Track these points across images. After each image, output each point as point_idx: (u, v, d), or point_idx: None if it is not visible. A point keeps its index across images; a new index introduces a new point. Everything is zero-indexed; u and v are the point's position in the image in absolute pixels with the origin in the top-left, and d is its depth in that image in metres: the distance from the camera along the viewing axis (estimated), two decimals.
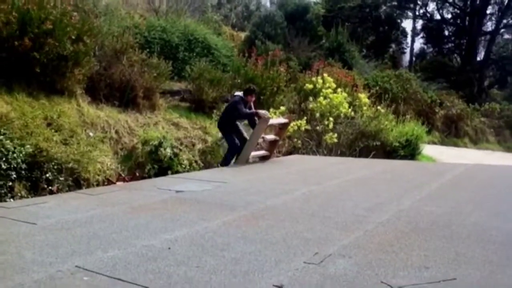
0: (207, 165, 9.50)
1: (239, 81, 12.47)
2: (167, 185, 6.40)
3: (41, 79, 7.97)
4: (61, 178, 6.57)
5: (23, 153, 6.14)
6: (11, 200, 5.91)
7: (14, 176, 5.96)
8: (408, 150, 13.77)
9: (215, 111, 11.04)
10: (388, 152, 13.61)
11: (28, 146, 6.31)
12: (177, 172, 8.49)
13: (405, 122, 15.39)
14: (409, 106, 20.38)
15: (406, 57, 38.43)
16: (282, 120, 10.22)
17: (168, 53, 12.21)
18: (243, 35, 22.09)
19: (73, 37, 8.39)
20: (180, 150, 9.05)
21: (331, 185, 6.91)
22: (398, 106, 17.32)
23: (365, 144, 12.98)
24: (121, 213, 4.82)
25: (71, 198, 5.49)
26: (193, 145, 9.71)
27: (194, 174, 7.97)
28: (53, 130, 7.16)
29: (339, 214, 4.89)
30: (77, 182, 7.00)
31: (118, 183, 7.50)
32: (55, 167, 6.58)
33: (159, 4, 15.91)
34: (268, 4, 29.70)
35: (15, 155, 6.03)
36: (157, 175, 8.23)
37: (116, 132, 8.51)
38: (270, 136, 9.98)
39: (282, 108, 12.25)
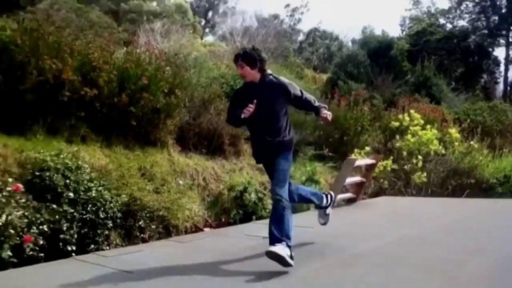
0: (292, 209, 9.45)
1: (322, 122, 12.45)
2: (254, 231, 6.47)
3: (136, 131, 8.59)
4: (152, 226, 6.91)
5: (119, 202, 6.58)
6: (107, 248, 6.30)
7: (111, 225, 6.37)
8: (507, 187, 12.68)
9: (301, 154, 11.08)
10: (484, 189, 12.64)
11: (124, 195, 6.75)
12: (261, 217, 8.55)
13: (502, 157, 14.28)
14: (506, 139, 18.93)
15: (500, 87, 36.06)
16: (369, 161, 9.98)
17: None
18: (325, 76, 22.23)
19: (166, 90, 9.02)
20: (264, 194, 9.13)
21: (425, 227, 6.56)
22: (493, 140, 16.15)
23: (458, 182, 12.21)
24: (211, 260, 4.95)
25: (163, 246, 5.76)
26: None
27: None
28: (146, 180, 7.61)
29: (437, 259, 4.60)
30: (166, 229, 7.32)
31: (205, 229, 7.72)
32: (147, 215, 6.95)
33: None
34: (350, 44, 29.79)
35: (111, 204, 6.47)
36: (242, 220, 8.37)
37: (204, 179, 8.85)
38: (357, 178, 9.75)
39: (367, 148, 11.99)
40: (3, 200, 5.11)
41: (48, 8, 13.11)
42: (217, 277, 4.21)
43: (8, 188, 5.37)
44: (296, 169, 10.32)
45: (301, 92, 4.99)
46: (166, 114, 9.11)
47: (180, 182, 8.20)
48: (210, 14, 31.79)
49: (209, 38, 27.75)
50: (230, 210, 8.57)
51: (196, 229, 7.75)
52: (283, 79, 4.99)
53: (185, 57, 12.99)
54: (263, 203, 8.90)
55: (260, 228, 6.75)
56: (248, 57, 4.74)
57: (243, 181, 8.97)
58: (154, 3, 18.96)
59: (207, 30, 29.30)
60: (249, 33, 18.61)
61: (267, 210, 8.92)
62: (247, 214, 8.59)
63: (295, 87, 4.97)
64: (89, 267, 4.87)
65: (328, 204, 5.47)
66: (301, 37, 33.31)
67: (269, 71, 4.89)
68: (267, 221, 7.93)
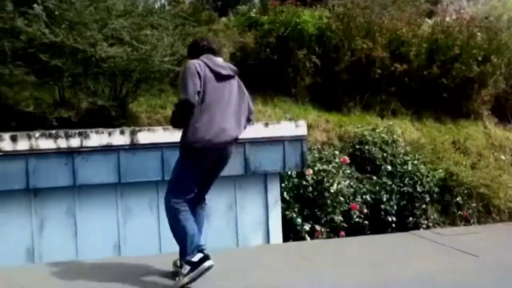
0: None
1: None
2: None
3: (447, 103, 8.17)
4: (472, 204, 6.46)
5: (436, 177, 6.39)
6: (425, 222, 6.23)
7: (428, 199, 6.26)
8: None
9: None
10: None
11: (440, 170, 6.52)
12: None
13: None
14: None
15: None
16: None
17: None
18: None
19: (479, 58, 8.25)
20: None
21: None
22: None
23: None
24: None
25: (500, 230, 5.29)
26: None
27: None
28: (461, 154, 7.16)
29: None
30: (486, 208, 6.71)
31: None
32: (465, 191, 6.53)
33: None
34: None
35: (428, 179, 6.34)
36: None
37: None
38: None
39: None
40: (334, 170, 5.67)
41: None
42: None
43: (336, 160, 5.93)
44: None
45: None
46: (480, 84, 8.33)
47: (502, 157, 7.38)
48: None
49: None
50: None
51: None
52: None
53: (498, 19, 11.49)
54: None
55: None
56: None
57: None
58: None
59: None
60: None
61: None
62: None
63: None
64: (433, 245, 4.85)
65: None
66: None
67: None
68: None
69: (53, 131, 4.34)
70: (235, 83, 3.73)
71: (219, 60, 3.69)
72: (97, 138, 4.27)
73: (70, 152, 4.23)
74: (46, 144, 4.23)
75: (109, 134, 4.34)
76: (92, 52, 6.01)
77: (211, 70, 3.51)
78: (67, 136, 4.27)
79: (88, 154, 4.27)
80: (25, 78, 5.97)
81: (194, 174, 3.49)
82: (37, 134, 4.26)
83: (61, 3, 6.34)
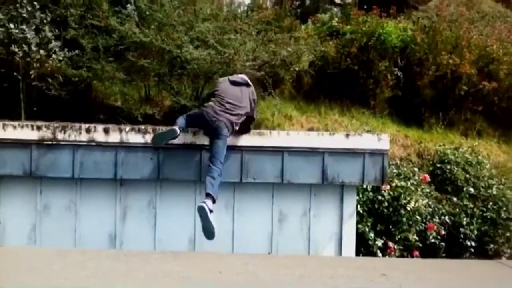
0: None
1: None
2: None
3: None
4: None
5: None
6: (508, 250, 5.84)
7: None
8: None
9: None
10: None
11: None
12: None
13: None
14: None
15: None
16: None
17: None
18: None
19: None
20: None
21: None
22: None
23: None
24: None
25: None
26: None
27: None
28: None
29: None
30: None
31: None
32: None
33: None
34: None
35: None
36: None
37: None
38: None
39: None
40: (412, 187, 5.46)
41: (438, 4, 13.29)
42: None
43: (415, 177, 5.71)
44: None
45: None
46: None
47: None
48: None
49: None
50: None
51: None
52: None
53: None
54: None
55: None
56: None
57: None
58: None
59: None
60: None
61: None
62: None
63: None
64: None
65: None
66: None
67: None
68: None
69: (142, 127, 4.55)
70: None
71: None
72: (182, 137, 4.40)
73: (156, 148, 4.40)
74: (135, 138, 4.43)
75: (193, 133, 4.47)
76: (178, 53, 6.25)
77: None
78: (155, 132, 4.44)
79: (173, 151, 4.42)
80: (115, 74, 6.34)
81: None
82: (127, 128, 4.48)
83: (152, 4, 6.67)
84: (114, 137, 4.45)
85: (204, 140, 4.42)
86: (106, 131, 4.46)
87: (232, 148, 4.42)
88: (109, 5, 6.84)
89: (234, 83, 4.53)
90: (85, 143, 4.43)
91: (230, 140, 4.35)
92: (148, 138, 4.45)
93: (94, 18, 6.42)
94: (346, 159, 4.57)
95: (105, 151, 4.43)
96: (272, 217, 4.66)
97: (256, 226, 4.63)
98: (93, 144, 4.43)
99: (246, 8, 9.67)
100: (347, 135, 4.68)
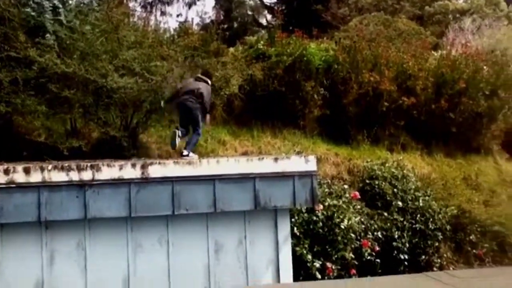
0: None
1: None
2: None
3: (456, 137, 8.16)
4: (485, 244, 6.35)
5: (448, 214, 6.31)
6: (438, 260, 6.11)
7: (440, 237, 6.17)
8: None
9: None
10: None
11: (452, 207, 6.44)
12: None
13: None
14: None
15: None
16: None
17: None
18: None
19: (487, 92, 8.28)
20: None
21: None
22: None
23: None
24: None
25: None
26: None
27: None
28: (473, 190, 7.09)
29: None
30: (501, 247, 6.60)
31: None
32: (478, 229, 6.44)
33: None
34: None
35: (440, 216, 6.27)
36: None
37: None
38: None
39: None
40: (344, 205, 5.59)
41: (358, 24, 13.96)
42: None
43: (346, 195, 5.86)
44: None
45: None
46: (489, 118, 8.35)
47: None
48: None
49: None
50: None
51: None
52: None
53: (503, 53, 11.61)
54: None
55: None
56: None
57: None
58: (461, 0, 17.82)
59: None
60: None
61: None
62: None
63: None
64: None
65: None
66: None
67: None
68: None
69: (66, 164, 4.31)
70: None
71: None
72: (108, 171, 4.23)
73: (82, 185, 4.19)
74: (58, 176, 4.19)
75: (120, 167, 4.31)
76: (103, 82, 6.04)
77: None
78: (79, 169, 4.23)
79: (100, 187, 4.22)
80: (37, 107, 6.00)
81: None
82: (49, 166, 4.23)
83: (72, 33, 6.43)
84: (35, 176, 4.18)
85: (132, 174, 4.27)
86: (26, 171, 4.18)
87: (162, 180, 4.30)
88: (26, 35, 6.51)
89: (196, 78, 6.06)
90: (4, 185, 4.12)
91: (160, 172, 4.24)
92: (73, 175, 4.23)
93: (11, 50, 6.07)
94: (276, 183, 4.60)
95: (26, 193, 4.14)
96: (208, 248, 4.56)
97: (193, 260, 4.51)
98: (13, 186, 4.13)
99: (172, 33, 9.61)
100: (276, 159, 4.72)
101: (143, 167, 4.42)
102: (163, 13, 21.25)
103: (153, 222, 4.32)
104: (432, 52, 10.77)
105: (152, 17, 14.05)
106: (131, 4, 13.28)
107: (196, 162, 4.54)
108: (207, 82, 6.07)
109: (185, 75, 6.69)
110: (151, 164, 4.46)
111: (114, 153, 5.99)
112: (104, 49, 6.37)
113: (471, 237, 6.37)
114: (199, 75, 6.23)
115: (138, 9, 18.80)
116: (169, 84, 6.40)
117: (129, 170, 4.33)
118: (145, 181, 4.36)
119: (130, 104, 6.47)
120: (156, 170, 4.42)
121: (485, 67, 8.88)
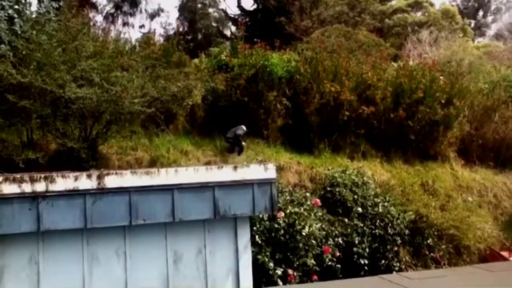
0: None
1: None
2: None
3: (414, 145, 8.39)
4: (442, 246, 6.53)
5: (406, 219, 6.46)
6: (397, 264, 6.23)
7: (399, 241, 6.30)
8: None
9: None
10: None
11: (410, 212, 6.60)
12: None
13: None
14: None
15: None
16: None
17: None
18: None
19: (443, 101, 8.56)
20: None
21: None
22: None
23: None
24: None
25: (469, 273, 5.30)
26: None
27: None
28: (430, 196, 7.28)
29: None
30: (457, 249, 6.80)
31: (502, 253, 6.86)
32: (435, 233, 6.61)
33: None
34: None
35: (399, 221, 6.41)
36: None
37: (494, 195, 7.94)
38: None
39: None
40: (305, 213, 5.65)
41: (320, 35, 14.23)
42: None
43: (308, 202, 5.92)
44: None
45: None
46: (445, 126, 8.61)
47: (469, 198, 7.55)
48: (480, 13, 29.02)
49: (482, 40, 25.30)
50: None
51: (492, 252, 6.94)
52: None
53: (459, 64, 12.07)
54: None
55: None
56: None
57: None
58: (419, 13, 18.47)
59: (478, 31, 26.76)
60: None
61: None
62: None
63: None
64: None
65: None
66: None
67: None
68: None
69: (18, 175, 4.18)
70: None
71: None
72: (63, 182, 4.13)
73: (35, 197, 4.07)
74: (10, 188, 4.06)
75: (76, 178, 4.22)
76: (60, 93, 5.93)
77: None
78: (32, 180, 4.11)
79: (54, 199, 4.12)
80: None
81: None
82: (0, 179, 4.09)
83: (29, 43, 6.31)
84: None
85: (88, 185, 4.19)
86: None
87: (118, 190, 4.24)
88: None
89: None
90: None
91: (117, 182, 4.18)
92: (25, 187, 4.11)
93: None
94: (236, 191, 4.59)
95: None
96: (167, 258, 4.49)
97: (151, 270, 4.43)
98: None
99: (134, 44, 9.55)
100: (235, 168, 4.72)
101: (99, 177, 4.34)
102: (125, 24, 21.15)
103: (110, 233, 4.23)
104: (392, 63, 11.10)
105: (114, 28, 13.95)
106: (91, 15, 13.18)
107: (154, 172, 4.49)
108: None
109: (145, 85, 6.64)
110: (108, 174, 4.38)
111: (72, 165, 5.87)
112: (62, 59, 6.27)
113: (428, 241, 6.53)
114: None
115: (100, 19, 18.66)
116: (129, 94, 6.34)
117: (84, 181, 4.24)
118: (101, 191, 4.27)
119: (89, 115, 6.38)
120: (113, 181, 4.34)
121: (441, 77, 9.19)
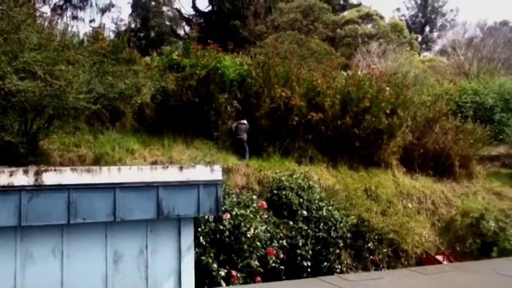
0: None
1: None
2: (509, 270, 5.66)
3: (359, 152, 8.63)
4: (383, 250, 6.74)
5: (349, 223, 6.62)
6: (339, 266, 6.37)
7: (341, 244, 6.45)
8: None
9: None
10: None
11: (352, 216, 6.78)
12: (504, 249, 7.50)
13: None
14: None
15: None
16: None
17: (483, 116, 11.36)
18: None
19: (388, 111, 8.86)
20: (506, 223, 8.02)
21: None
22: None
23: None
24: None
25: (404, 276, 5.48)
26: None
27: None
28: (372, 201, 7.51)
29: None
30: (396, 253, 7.05)
31: (437, 257, 7.17)
32: (376, 237, 6.82)
33: (469, 66, 15.24)
34: None
35: (341, 224, 6.56)
36: (480, 251, 7.50)
37: (432, 202, 8.30)
38: None
39: None
40: (251, 215, 5.66)
41: (273, 41, 14.39)
42: None
43: (254, 205, 5.94)
44: None
45: None
46: (389, 135, 8.92)
47: (409, 205, 7.85)
48: (427, 29, 30.46)
49: (427, 54, 26.56)
50: (465, 238, 7.78)
51: (428, 256, 7.25)
52: None
53: (404, 76, 12.57)
54: (506, 233, 7.80)
55: None
56: None
57: (479, 207, 8.08)
58: (369, 26, 19.10)
59: (424, 46, 28.09)
60: (474, 45, 16.98)
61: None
62: (486, 244, 7.66)
63: None
64: None
65: None
66: None
67: None
68: None
69: None
70: None
71: None
72: None
73: None
74: None
75: (11, 173, 4.02)
76: (0, 84, 5.67)
77: None
78: None
79: None
80: None
81: None
82: None
83: None
84: None
85: (24, 181, 4.00)
86: None
87: (57, 188, 4.08)
88: None
89: None
90: None
91: (55, 179, 4.01)
92: None
93: None
94: (181, 191, 4.54)
95: None
96: (107, 258, 4.36)
97: (89, 271, 4.28)
98: None
99: (81, 38, 9.26)
100: (181, 168, 4.67)
101: (37, 173, 4.15)
102: (75, 18, 20.48)
103: (47, 231, 4.07)
104: (341, 72, 11.40)
105: (62, 21, 13.46)
106: (38, 5, 12.66)
107: (96, 170, 4.36)
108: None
109: (92, 81, 6.45)
110: (46, 170, 4.20)
111: (10, 160, 5.59)
112: (3, 49, 5.99)
113: (369, 244, 6.73)
114: None
115: (47, 11, 17.95)
116: (74, 89, 6.13)
117: (20, 177, 4.05)
118: (38, 188, 4.10)
119: (30, 108, 6.10)
120: (51, 177, 4.17)
121: (387, 87, 9.51)
